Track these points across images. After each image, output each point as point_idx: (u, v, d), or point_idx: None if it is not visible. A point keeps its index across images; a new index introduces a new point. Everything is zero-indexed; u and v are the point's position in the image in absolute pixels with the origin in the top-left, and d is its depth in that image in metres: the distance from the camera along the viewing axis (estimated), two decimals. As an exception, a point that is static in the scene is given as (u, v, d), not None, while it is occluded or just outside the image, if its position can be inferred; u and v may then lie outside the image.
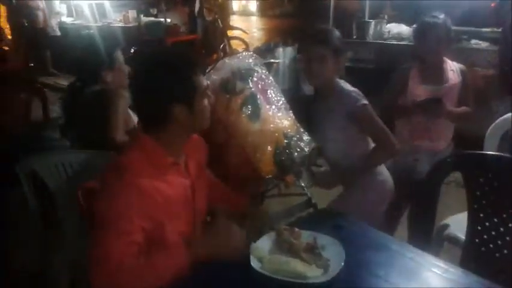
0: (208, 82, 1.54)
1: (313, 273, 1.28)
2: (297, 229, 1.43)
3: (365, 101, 1.96)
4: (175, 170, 1.45)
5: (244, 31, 8.51)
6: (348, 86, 2.04)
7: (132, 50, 6.20)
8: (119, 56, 2.47)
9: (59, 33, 8.32)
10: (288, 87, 5.16)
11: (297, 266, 1.29)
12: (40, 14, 7.86)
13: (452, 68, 2.49)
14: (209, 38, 8.11)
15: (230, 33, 8.37)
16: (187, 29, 8.35)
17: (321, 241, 1.41)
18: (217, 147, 2.44)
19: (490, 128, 2.26)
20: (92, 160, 1.89)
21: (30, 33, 7.85)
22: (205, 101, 1.46)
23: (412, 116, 2.46)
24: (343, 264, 1.30)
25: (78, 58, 2.51)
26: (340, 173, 2.04)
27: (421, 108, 2.37)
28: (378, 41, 4.98)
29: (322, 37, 1.96)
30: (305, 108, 2.28)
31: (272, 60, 4.96)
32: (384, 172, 2.12)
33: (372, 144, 2.07)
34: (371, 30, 5.05)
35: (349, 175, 2.02)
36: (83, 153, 1.95)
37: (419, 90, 2.46)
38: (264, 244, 1.41)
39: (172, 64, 1.40)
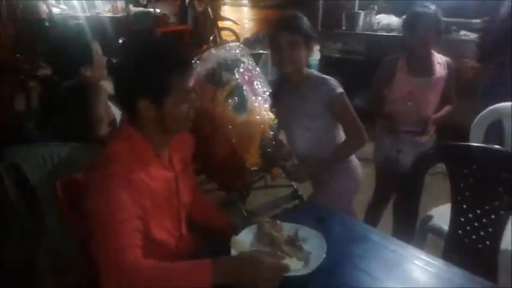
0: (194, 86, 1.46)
1: (294, 266, 1.27)
2: (278, 222, 1.42)
3: (342, 89, 1.95)
4: (158, 163, 1.43)
5: (235, 22, 8.44)
6: (321, 74, 2.03)
7: (121, 41, 6.14)
8: (97, 47, 2.44)
9: (46, 23, 8.20)
10: (278, 78, 5.15)
11: (278, 257, 1.28)
12: (41, 4, 7.68)
13: (439, 60, 2.48)
14: (199, 28, 8.04)
15: (221, 24, 8.30)
16: (178, 20, 8.28)
17: (303, 234, 1.41)
18: (204, 139, 2.42)
19: (476, 119, 2.26)
20: (73, 153, 1.86)
21: (25, 24, 7.69)
22: (183, 106, 1.38)
23: (397, 107, 2.45)
24: (324, 256, 1.30)
25: (56, 50, 2.47)
26: (311, 164, 2.02)
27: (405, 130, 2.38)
28: (368, 32, 4.95)
29: (293, 24, 1.91)
30: (272, 97, 2.24)
31: (261, 51, 4.92)
32: (354, 158, 2.12)
33: (341, 135, 2.06)
34: (361, 21, 5.02)
35: (320, 166, 2.00)
36: (64, 146, 1.92)
37: (406, 82, 2.45)
38: (245, 237, 1.39)
39: (147, 60, 1.34)
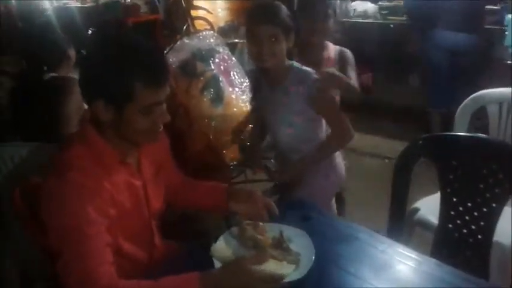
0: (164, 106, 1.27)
1: (286, 271, 1.17)
2: (261, 223, 1.32)
3: None
4: (124, 170, 1.28)
5: (208, 11, 8.24)
6: (302, 66, 1.88)
7: (90, 32, 5.90)
8: (66, 42, 2.31)
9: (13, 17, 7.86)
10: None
11: (267, 265, 1.18)
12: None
13: (330, 49, 2.32)
14: (172, 18, 7.83)
15: (194, 13, 8.10)
16: (149, 9, 8.04)
17: (288, 233, 1.31)
18: (179, 134, 2.30)
19: (460, 107, 2.19)
20: (36, 153, 1.70)
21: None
22: (147, 118, 1.20)
23: None
24: (313, 258, 1.21)
25: (25, 47, 2.33)
26: (293, 163, 1.90)
27: None
28: (344, 20, 4.88)
29: (272, 15, 1.74)
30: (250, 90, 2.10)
31: (236, 40, 4.79)
32: (339, 155, 2.02)
33: (323, 133, 1.95)
34: (336, 9, 4.94)
35: (304, 164, 1.89)
36: (27, 146, 1.76)
37: None
38: (226, 243, 1.27)
39: (111, 57, 1.18)
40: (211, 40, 2.45)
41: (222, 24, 6.67)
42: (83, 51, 2.54)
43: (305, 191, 1.86)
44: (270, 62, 1.77)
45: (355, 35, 4.31)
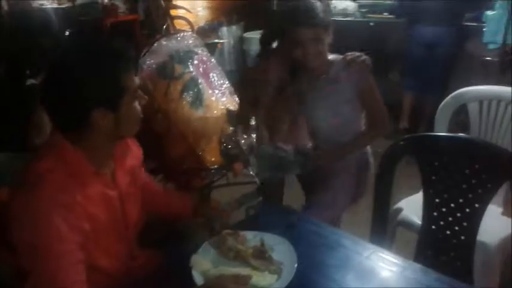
0: (140, 78, 1.30)
1: (268, 282, 1.14)
2: (241, 232, 1.28)
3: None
4: (98, 181, 1.22)
5: (188, 10, 8.17)
6: (338, 55, 1.90)
7: (67, 33, 5.77)
8: (43, 45, 2.23)
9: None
10: (236, 69, 4.98)
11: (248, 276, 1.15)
12: None
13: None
14: (151, 18, 7.74)
15: (174, 12, 8.01)
16: (128, 9, 7.92)
17: (268, 241, 1.27)
18: (158, 138, 2.25)
19: (440, 106, 2.19)
20: (6, 164, 1.63)
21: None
22: (136, 104, 1.21)
23: None
24: (296, 266, 1.18)
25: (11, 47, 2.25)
26: (331, 149, 1.91)
27: None
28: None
29: (312, 16, 1.73)
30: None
31: (216, 41, 4.74)
32: (372, 174, 2.01)
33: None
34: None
35: (340, 152, 1.90)
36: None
37: None
38: (206, 255, 1.23)
39: (97, 59, 1.14)
40: (190, 41, 2.40)
41: (202, 23, 6.60)
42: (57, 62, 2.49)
43: (328, 193, 1.86)
44: (316, 62, 1.80)
45: (335, 33, 4.31)
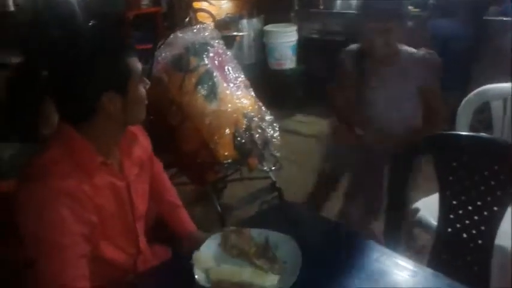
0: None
1: (270, 283, 1.10)
2: (244, 230, 1.25)
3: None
4: (105, 171, 1.21)
5: (211, 3, 8.15)
6: (411, 48, 1.92)
7: (91, 24, 5.83)
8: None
9: (12, 8, 7.79)
10: (255, 62, 4.93)
11: (251, 276, 1.11)
12: None
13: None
14: (174, 10, 7.75)
15: (196, 5, 8.01)
16: (151, 1, 7.96)
17: (273, 239, 1.23)
18: (171, 131, 2.23)
19: (462, 103, 2.11)
20: (16, 154, 1.63)
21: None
22: (141, 88, 1.22)
23: None
24: (300, 266, 1.14)
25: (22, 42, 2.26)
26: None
27: None
28: (347, 11, 4.76)
29: (385, 9, 1.79)
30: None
31: (235, 33, 4.70)
32: None
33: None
34: (338, 0, 4.84)
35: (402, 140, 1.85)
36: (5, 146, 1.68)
37: None
38: (208, 252, 1.20)
39: (105, 43, 1.18)
40: (206, 33, 2.38)
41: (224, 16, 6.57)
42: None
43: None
44: (385, 52, 1.83)
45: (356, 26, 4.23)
